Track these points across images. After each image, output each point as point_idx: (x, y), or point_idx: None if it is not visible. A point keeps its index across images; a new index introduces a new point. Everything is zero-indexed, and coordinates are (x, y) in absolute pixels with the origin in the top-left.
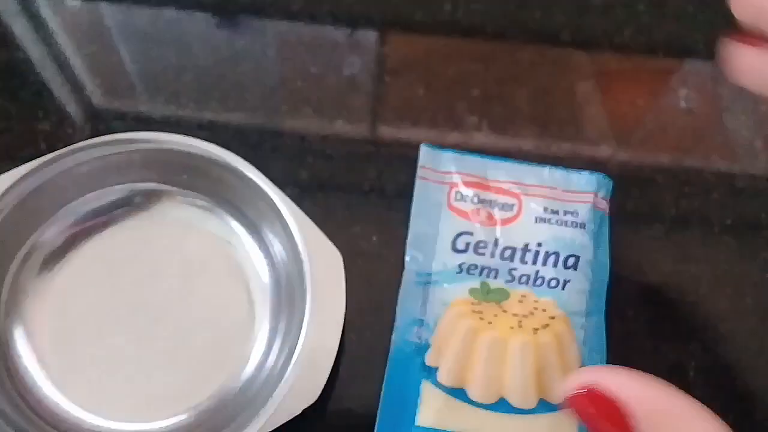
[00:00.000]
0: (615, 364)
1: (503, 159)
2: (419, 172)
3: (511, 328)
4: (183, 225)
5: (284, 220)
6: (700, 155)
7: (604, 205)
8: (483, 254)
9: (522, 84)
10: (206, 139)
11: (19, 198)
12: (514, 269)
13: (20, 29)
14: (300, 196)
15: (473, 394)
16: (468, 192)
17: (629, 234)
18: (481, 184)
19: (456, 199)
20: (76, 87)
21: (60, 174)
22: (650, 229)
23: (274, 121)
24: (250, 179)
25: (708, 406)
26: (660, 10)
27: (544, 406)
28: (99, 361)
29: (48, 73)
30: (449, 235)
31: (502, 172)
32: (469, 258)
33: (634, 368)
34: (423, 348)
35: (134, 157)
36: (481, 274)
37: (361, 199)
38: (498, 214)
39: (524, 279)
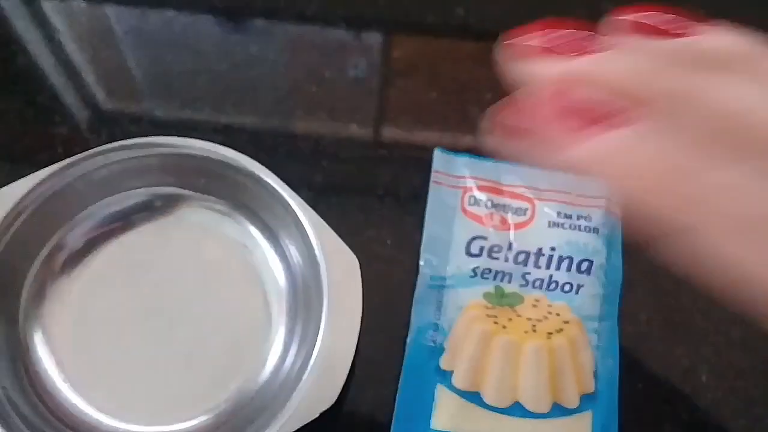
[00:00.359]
0: (628, 368)
1: (516, 164)
2: (433, 176)
3: (525, 332)
4: (201, 229)
5: (300, 224)
6: None
7: (617, 211)
8: (497, 258)
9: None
10: (221, 143)
11: (39, 202)
12: (528, 273)
13: (38, 34)
14: (314, 199)
15: (488, 397)
16: (482, 196)
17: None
18: (494, 189)
19: (470, 204)
20: (93, 92)
21: (79, 178)
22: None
23: (289, 124)
24: (267, 183)
25: (720, 409)
26: None
27: (558, 409)
28: (117, 364)
29: (65, 78)
30: (463, 240)
31: (516, 177)
32: (483, 262)
33: (647, 372)
34: (438, 352)
35: (153, 162)
36: (495, 278)
37: (375, 203)
38: (511, 218)
39: (538, 283)
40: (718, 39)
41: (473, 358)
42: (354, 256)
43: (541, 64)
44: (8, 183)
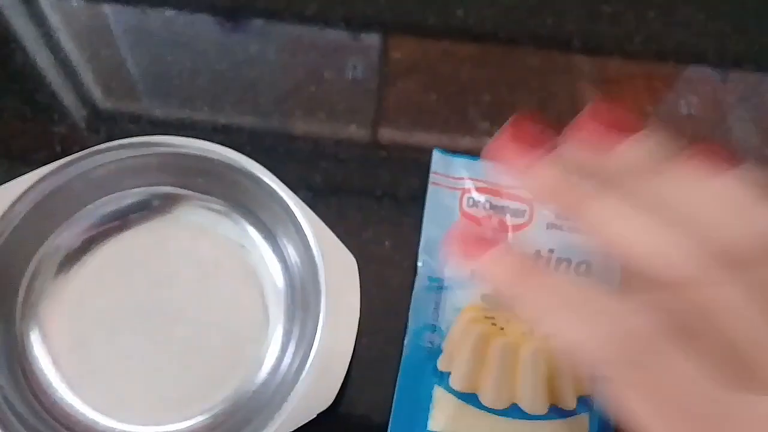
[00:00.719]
0: None
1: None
2: (431, 177)
3: (523, 334)
4: (198, 228)
5: (298, 224)
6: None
7: None
8: None
9: (533, 90)
10: (220, 143)
11: (36, 201)
12: None
13: (36, 33)
14: (313, 200)
15: (485, 399)
16: (480, 198)
17: None
18: (493, 190)
19: (468, 205)
20: (91, 90)
21: (77, 177)
22: None
23: (288, 125)
24: (265, 183)
25: None
26: (670, 18)
27: (556, 411)
28: (114, 363)
29: (63, 77)
30: None
31: (510, 178)
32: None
33: None
34: (435, 353)
35: (151, 161)
36: None
37: (374, 204)
38: (510, 220)
39: None
40: (629, 153)
41: (471, 360)
42: (352, 257)
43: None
44: (6, 181)
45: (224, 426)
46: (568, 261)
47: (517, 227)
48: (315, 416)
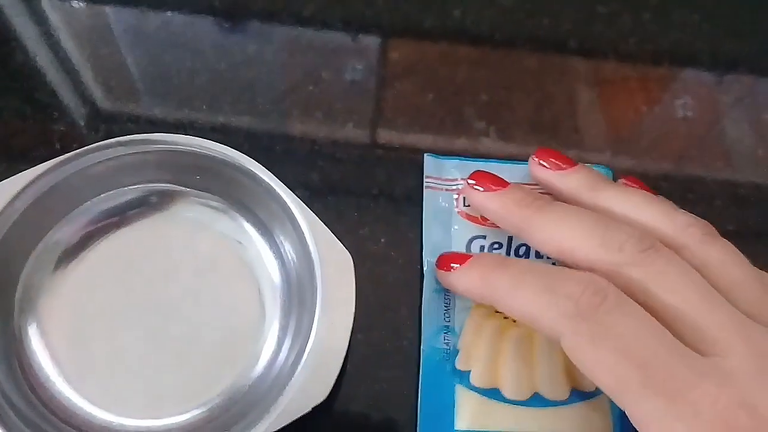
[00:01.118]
0: None
1: (505, 161)
2: (425, 182)
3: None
4: (196, 225)
5: (295, 221)
6: (703, 163)
7: None
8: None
9: (529, 91)
10: (219, 142)
11: (35, 197)
12: None
13: (36, 32)
14: (310, 198)
15: (507, 392)
16: None
17: None
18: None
19: (465, 205)
20: (91, 89)
21: (75, 174)
22: None
23: (285, 124)
24: (263, 180)
25: None
26: (665, 20)
27: (577, 395)
28: (111, 358)
29: (62, 75)
30: (463, 241)
31: (506, 174)
32: None
33: None
34: (452, 353)
35: (148, 158)
36: None
37: (370, 202)
38: None
39: None
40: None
41: (488, 356)
42: (348, 254)
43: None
44: (5, 178)
45: (220, 419)
46: None
47: None
48: (310, 410)
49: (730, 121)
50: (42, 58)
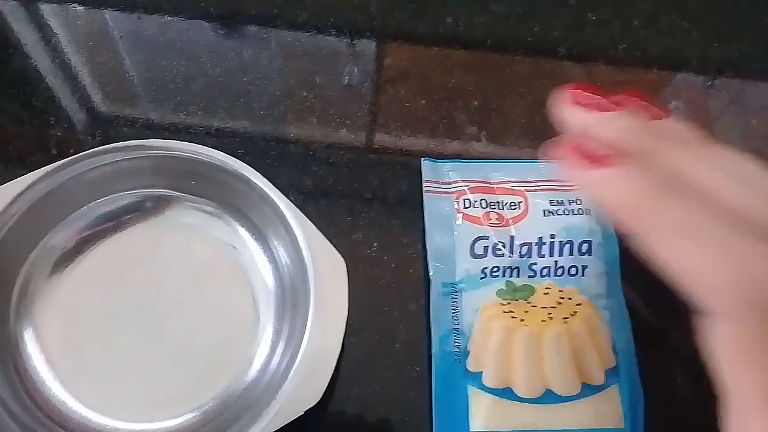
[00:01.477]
0: (641, 335)
1: (500, 161)
2: (425, 186)
3: (543, 321)
4: (190, 230)
5: (289, 225)
6: None
7: None
8: (502, 255)
9: (520, 96)
10: (214, 147)
11: (31, 202)
12: (534, 264)
13: (33, 37)
14: (304, 202)
15: (519, 390)
16: (475, 198)
17: (624, 243)
18: (486, 188)
19: (465, 207)
20: (87, 94)
21: (71, 179)
22: None
23: (280, 129)
24: (256, 185)
25: None
26: (655, 26)
27: (588, 389)
28: (106, 362)
29: (59, 80)
30: (466, 243)
31: (503, 174)
32: (489, 261)
33: (659, 336)
34: (463, 356)
35: (144, 164)
36: (504, 274)
37: (363, 206)
38: (507, 213)
39: (545, 271)
40: (676, 125)
41: (498, 356)
42: (340, 257)
43: (571, 113)
44: (2, 183)
45: (214, 423)
46: (570, 243)
47: (515, 219)
48: (303, 413)
49: (718, 125)
50: (39, 63)
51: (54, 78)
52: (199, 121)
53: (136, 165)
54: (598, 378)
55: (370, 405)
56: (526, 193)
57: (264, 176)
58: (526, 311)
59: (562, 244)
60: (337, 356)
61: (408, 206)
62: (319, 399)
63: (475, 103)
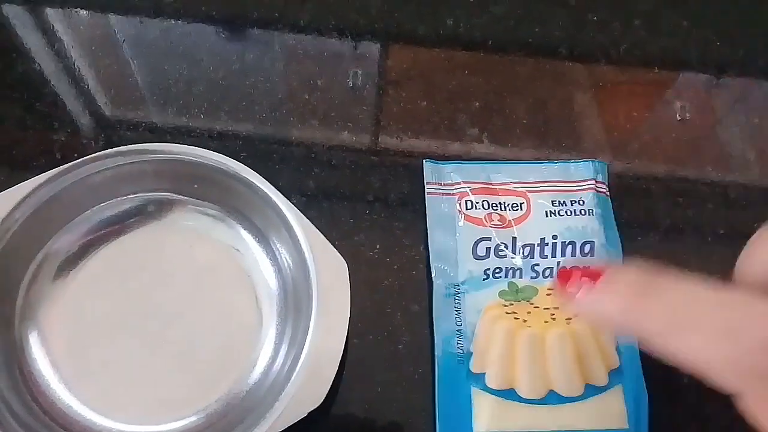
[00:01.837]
0: None
1: (501, 162)
2: (427, 188)
3: (546, 322)
4: (193, 233)
5: (291, 228)
6: (694, 166)
7: (604, 189)
8: (504, 256)
9: (521, 96)
10: (216, 149)
11: (35, 207)
12: (537, 265)
13: (36, 41)
14: (306, 204)
15: (523, 391)
16: (477, 199)
17: (625, 243)
18: (487, 190)
19: (467, 208)
20: (90, 99)
21: (75, 184)
22: (645, 238)
23: (282, 132)
24: (259, 188)
25: None
26: (655, 26)
27: (591, 390)
28: (110, 364)
29: (63, 85)
30: (468, 244)
31: (504, 175)
32: (492, 262)
33: None
34: (466, 357)
35: (147, 168)
36: (506, 275)
37: (365, 208)
38: (509, 214)
39: (548, 272)
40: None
41: (502, 357)
42: (342, 260)
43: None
44: (6, 188)
45: (218, 425)
46: (573, 243)
47: (518, 220)
48: (306, 415)
49: (721, 124)
50: (43, 68)
51: (57, 82)
52: (202, 124)
53: (139, 169)
54: (602, 378)
55: (374, 407)
56: (528, 194)
57: (266, 179)
58: (529, 312)
59: (564, 245)
60: (339, 358)
61: (410, 208)
62: (322, 401)
63: (477, 104)
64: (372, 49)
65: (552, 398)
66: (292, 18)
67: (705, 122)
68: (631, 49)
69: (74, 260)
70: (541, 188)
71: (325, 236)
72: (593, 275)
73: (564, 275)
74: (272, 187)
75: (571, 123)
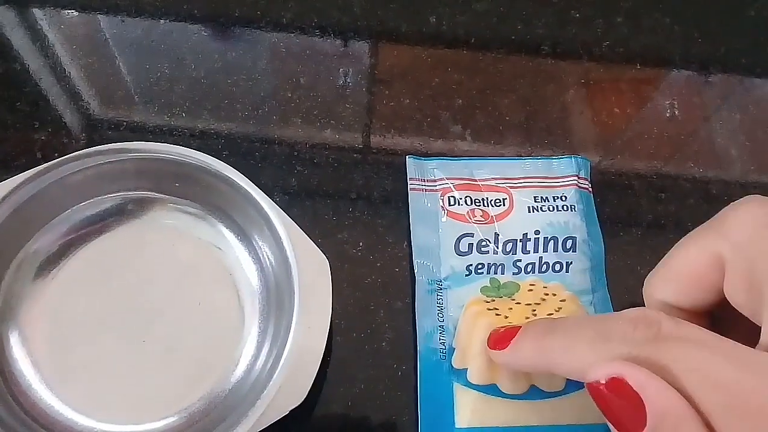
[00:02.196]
0: None
1: (484, 158)
2: (410, 184)
3: (527, 318)
4: (175, 232)
5: (273, 226)
6: (677, 163)
7: (587, 185)
8: (486, 252)
9: (504, 94)
10: (198, 148)
11: (15, 206)
12: (519, 261)
13: (17, 40)
14: (289, 203)
15: (504, 387)
16: (460, 195)
17: (607, 238)
18: (470, 186)
19: (450, 204)
20: (72, 97)
21: (55, 183)
22: (627, 234)
23: (265, 130)
24: (240, 187)
25: None
26: (637, 22)
27: (572, 385)
28: (92, 364)
29: (44, 83)
30: (451, 240)
31: (487, 171)
32: (474, 258)
33: None
34: (448, 352)
35: (127, 166)
36: (488, 271)
37: (348, 206)
38: (492, 210)
39: (530, 268)
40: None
41: (483, 353)
42: (324, 257)
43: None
44: None
45: (200, 423)
46: (555, 239)
47: (500, 216)
48: (288, 412)
49: (702, 121)
50: (23, 67)
51: (38, 81)
52: (184, 123)
53: (120, 168)
54: None
55: (356, 404)
56: (511, 190)
57: (248, 177)
58: (511, 308)
59: (546, 241)
60: (321, 355)
61: (393, 205)
62: (303, 398)
63: (460, 101)
64: (356, 46)
65: (534, 394)
66: (274, 16)
67: (689, 119)
68: (614, 46)
69: (55, 260)
70: (523, 184)
71: (307, 234)
72: (509, 334)
73: (492, 341)
74: (254, 185)
75: (554, 120)
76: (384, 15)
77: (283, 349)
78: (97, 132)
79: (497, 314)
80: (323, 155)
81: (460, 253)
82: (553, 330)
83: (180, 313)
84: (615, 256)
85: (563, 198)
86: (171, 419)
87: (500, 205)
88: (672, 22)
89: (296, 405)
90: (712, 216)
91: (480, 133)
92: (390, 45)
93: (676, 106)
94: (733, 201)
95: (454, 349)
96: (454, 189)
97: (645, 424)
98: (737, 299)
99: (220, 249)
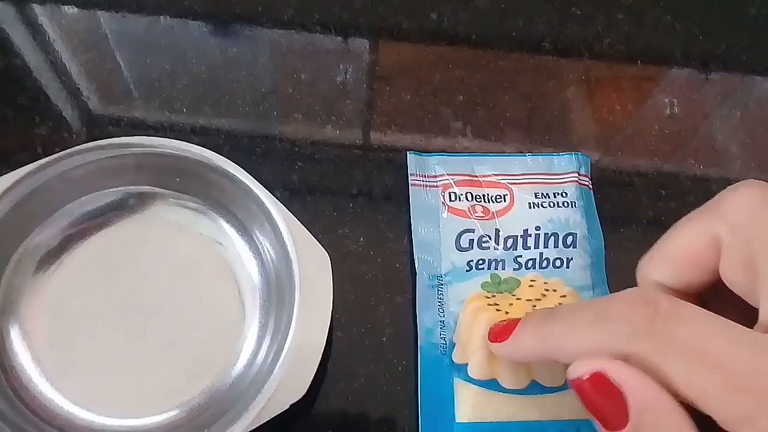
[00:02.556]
0: None
1: (485, 154)
2: (410, 180)
3: (527, 313)
4: (175, 227)
5: (274, 221)
6: (677, 160)
7: (587, 181)
8: (487, 248)
9: (505, 90)
10: (199, 144)
11: (16, 200)
12: (519, 256)
13: (18, 36)
14: (290, 198)
15: (505, 382)
16: (461, 191)
17: (607, 235)
18: (471, 182)
19: (451, 200)
20: (73, 93)
21: (56, 177)
22: (627, 231)
23: (266, 126)
24: (242, 182)
25: None
26: (638, 20)
27: None
28: (93, 358)
29: (45, 78)
30: (452, 236)
31: (488, 167)
32: (475, 254)
33: None
34: (449, 348)
35: (128, 161)
36: (489, 267)
37: (349, 202)
38: (493, 206)
39: (530, 264)
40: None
41: (483, 348)
42: (325, 252)
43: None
44: None
45: (201, 418)
46: (555, 235)
47: (501, 212)
48: (288, 407)
49: (703, 118)
50: (24, 62)
51: (39, 76)
52: (185, 118)
53: (120, 163)
54: None
55: (357, 398)
56: (511, 186)
57: (249, 173)
58: (511, 304)
59: (547, 237)
60: (322, 350)
61: (394, 201)
62: (304, 393)
63: (461, 98)
64: (356, 43)
65: (534, 389)
66: (275, 12)
67: (689, 117)
68: (615, 44)
69: (55, 254)
70: (524, 181)
71: (308, 229)
72: (510, 326)
73: (492, 334)
74: (255, 180)
75: (555, 116)
76: (385, 11)
77: (284, 344)
78: (97, 127)
79: (498, 310)
80: (324, 151)
81: (460, 249)
82: (553, 317)
83: (181, 307)
84: (615, 252)
85: (564, 194)
86: (171, 413)
87: (501, 201)
88: (673, 20)
89: (297, 399)
90: None
91: (481, 129)
92: (391, 41)
93: (676, 103)
94: None
95: (455, 344)
96: (454, 185)
97: (628, 420)
98: (734, 279)
99: (220, 244)
